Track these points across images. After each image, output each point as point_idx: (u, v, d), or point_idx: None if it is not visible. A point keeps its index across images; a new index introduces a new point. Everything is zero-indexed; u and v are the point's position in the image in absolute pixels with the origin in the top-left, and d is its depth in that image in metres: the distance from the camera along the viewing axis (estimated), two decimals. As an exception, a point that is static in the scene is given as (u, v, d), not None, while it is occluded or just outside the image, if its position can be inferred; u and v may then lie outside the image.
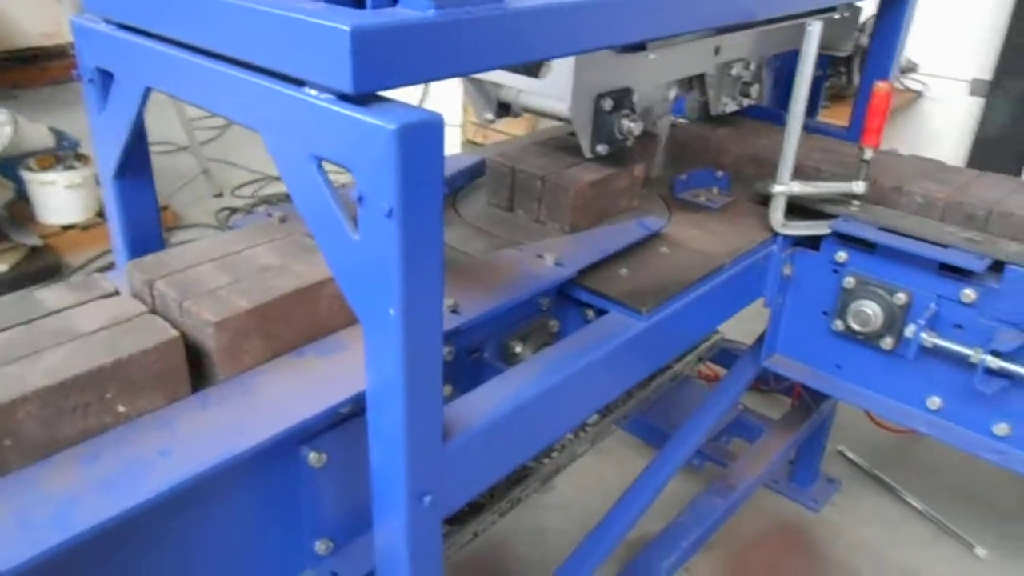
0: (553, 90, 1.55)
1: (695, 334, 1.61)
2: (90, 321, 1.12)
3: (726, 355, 2.60)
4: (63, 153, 4.29)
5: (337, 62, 0.88)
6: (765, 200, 1.86)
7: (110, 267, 4.02)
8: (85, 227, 4.21)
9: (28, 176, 4.06)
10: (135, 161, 1.43)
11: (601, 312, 1.51)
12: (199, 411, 1.10)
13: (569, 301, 1.55)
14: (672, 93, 1.74)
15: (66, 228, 4.16)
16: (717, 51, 1.81)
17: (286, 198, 5.37)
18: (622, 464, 2.80)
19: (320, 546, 1.27)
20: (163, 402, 1.11)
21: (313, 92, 0.95)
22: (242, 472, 1.12)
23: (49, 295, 1.20)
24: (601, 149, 1.60)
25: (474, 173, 1.91)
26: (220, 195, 4.92)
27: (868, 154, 1.66)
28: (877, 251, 1.66)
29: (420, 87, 5.06)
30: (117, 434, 1.05)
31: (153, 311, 1.19)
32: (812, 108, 2.53)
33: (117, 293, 1.22)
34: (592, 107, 1.56)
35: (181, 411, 1.10)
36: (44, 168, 4.13)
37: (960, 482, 2.79)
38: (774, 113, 2.42)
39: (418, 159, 0.89)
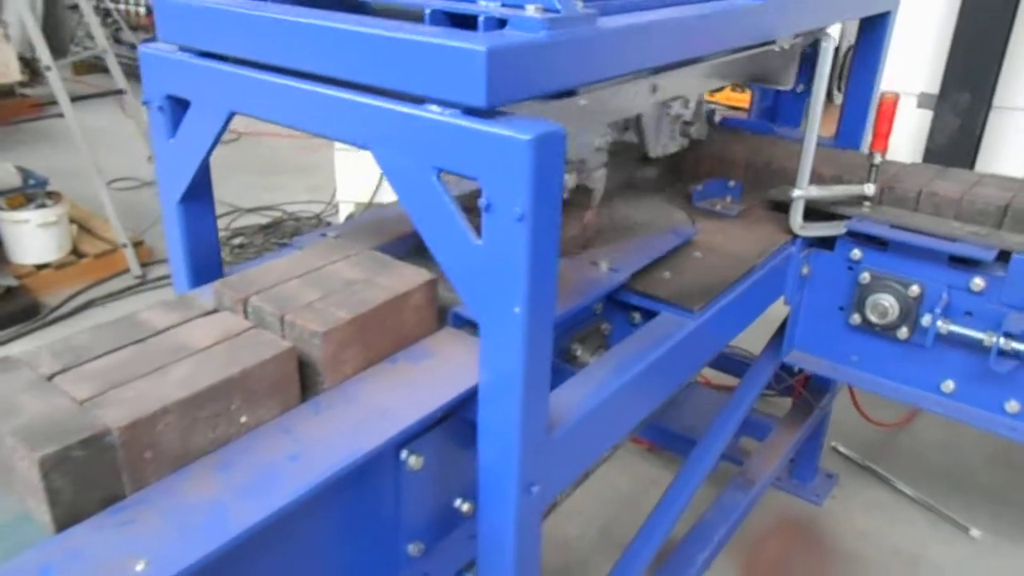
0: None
1: (734, 331, 1.71)
2: (202, 337, 1.16)
3: (722, 359, 2.73)
4: (33, 191, 4.22)
5: (471, 80, 0.95)
6: (778, 206, 1.99)
7: (89, 305, 3.97)
8: (59, 266, 4.13)
9: (0, 216, 3.97)
10: (201, 186, 1.47)
11: (647, 313, 1.60)
12: (313, 417, 1.15)
13: (616, 305, 1.64)
14: (607, 140, 1.54)
15: (40, 267, 4.08)
16: (654, 90, 1.61)
17: (260, 231, 5.31)
18: (630, 469, 2.89)
19: (413, 548, 1.31)
20: (278, 411, 1.15)
21: (436, 108, 1.02)
22: (350, 477, 1.16)
23: (150, 315, 1.23)
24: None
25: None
26: (192, 229, 4.87)
27: (878, 158, 1.80)
28: (890, 248, 1.79)
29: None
30: (243, 443, 1.09)
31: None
32: (796, 121, 2.70)
33: (216, 311, 1.25)
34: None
35: (297, 419, 1.14)
36: (14, 207, 4.05)
37: (947, 467, 2.96)
38: (758, 125, 2.57)
39: (547, 166, 0.96)
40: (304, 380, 1.20)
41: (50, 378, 1.06)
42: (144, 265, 4.32)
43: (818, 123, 1.73)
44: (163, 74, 1.39)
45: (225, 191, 5.33)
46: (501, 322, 1.04)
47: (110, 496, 0.97)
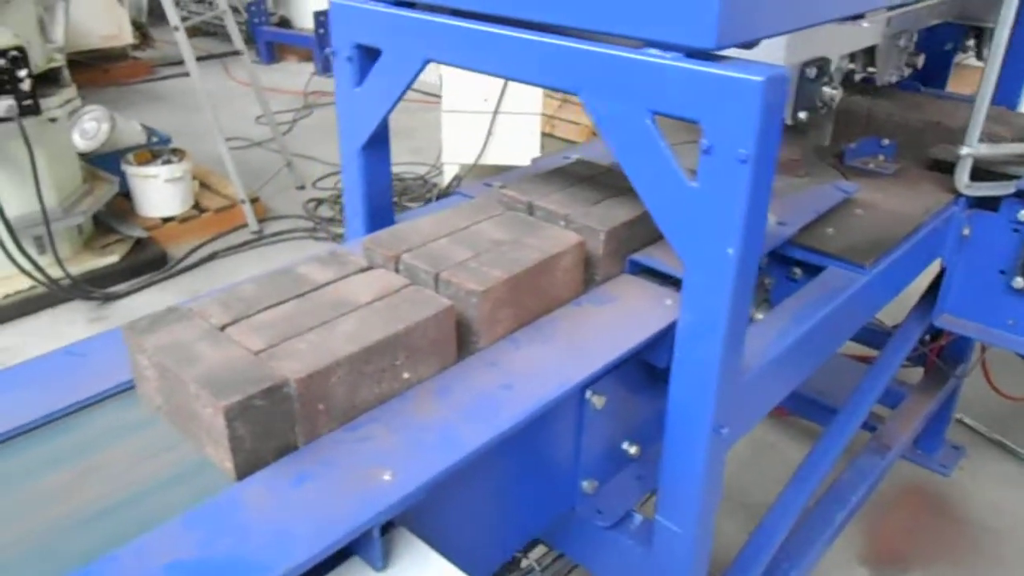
0: (761, 59, 1.62)
1: (895, 290, 1.69)
2: (362, 293, 1.14)
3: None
4: (159, 148, 4.43)
5: (700, 22, 0.96)
6: (937, 165, 1.94)
7: (212, 258, 4.15)
8: (183, 219, 4.33)
9: (130, 171, 4.18)
10: (382, 134, 1.53)
11: (809, 268, 1.60)
12: (515, 351, 1.17)
13: (777, 259, 1.64)
14: (845, 64, 1.79)
15: (166, 220, 4.29)
16: (888, 22, 1.82)
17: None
18: (748, 433, 2.88)
19: (587, 485, 1.36)
20: (437, 368, 1.13)
21: (655, 51, 1.03)
22: (544, 412, 1.19)
23: (308, 270, 1.22)
24: (802, 115, 1.68)
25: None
26: (302, 187, 5.03)
27: (1055, 115, 1.73)
28: (1063, 208, 1.73)
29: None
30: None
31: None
32: (942, 80, 2.60)
33: (371, 267, 1.24)
34: (798, 75, 1.63)
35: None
36: (141, 163, 4.25)
37: (1082, 445, 2.86)
38: (905, 84, 2.49)
39: (773, 109, 0.97)
40: (458, 339, 1.17)
41: (222, 328, 1.06)
42: (260, 221, 4.49)
43: (995, 78, 1.68)
44: (354, 24, 1.43)
45: (325, 151, 5.48)
46: (712, 264, 1.06)
47: (284, 446, 0.98)
